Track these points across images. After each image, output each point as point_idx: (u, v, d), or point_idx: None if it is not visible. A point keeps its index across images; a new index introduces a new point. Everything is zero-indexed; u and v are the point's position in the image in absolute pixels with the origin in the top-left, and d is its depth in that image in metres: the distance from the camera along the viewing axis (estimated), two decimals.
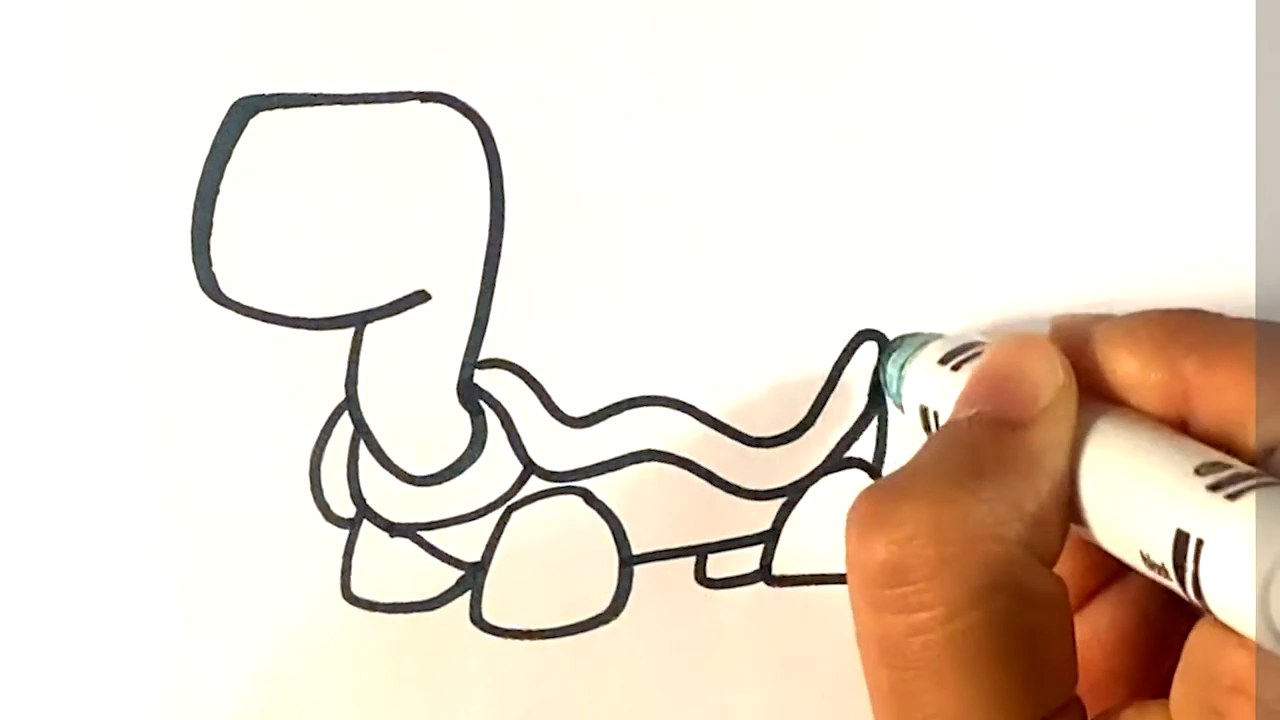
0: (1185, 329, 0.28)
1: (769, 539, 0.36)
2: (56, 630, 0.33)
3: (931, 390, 0.31)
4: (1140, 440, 0.27)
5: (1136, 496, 0.26)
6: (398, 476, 0.34)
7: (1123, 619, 0.30)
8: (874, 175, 0.34)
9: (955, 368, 0.31)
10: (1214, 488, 0.25)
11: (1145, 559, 0.26)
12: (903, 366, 0.33)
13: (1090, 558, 0.30)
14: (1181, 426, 0.27)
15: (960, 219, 0.34)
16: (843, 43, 0.33)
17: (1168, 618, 0.30)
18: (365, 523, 0.34)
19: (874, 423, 0.35)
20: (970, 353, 0.31)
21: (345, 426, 0.33)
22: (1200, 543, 0.24)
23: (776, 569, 0.36)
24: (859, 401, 0.35)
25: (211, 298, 0.32)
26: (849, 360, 0.35)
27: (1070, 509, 0.27)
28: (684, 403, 0.34)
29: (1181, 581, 0.25)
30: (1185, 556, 0.24)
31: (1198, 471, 0.25)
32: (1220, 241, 0.35)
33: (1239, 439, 0.26)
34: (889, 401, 0.34)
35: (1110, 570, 0.31)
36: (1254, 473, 0.25)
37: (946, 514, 0.26)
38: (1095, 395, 0.28)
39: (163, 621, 0.33)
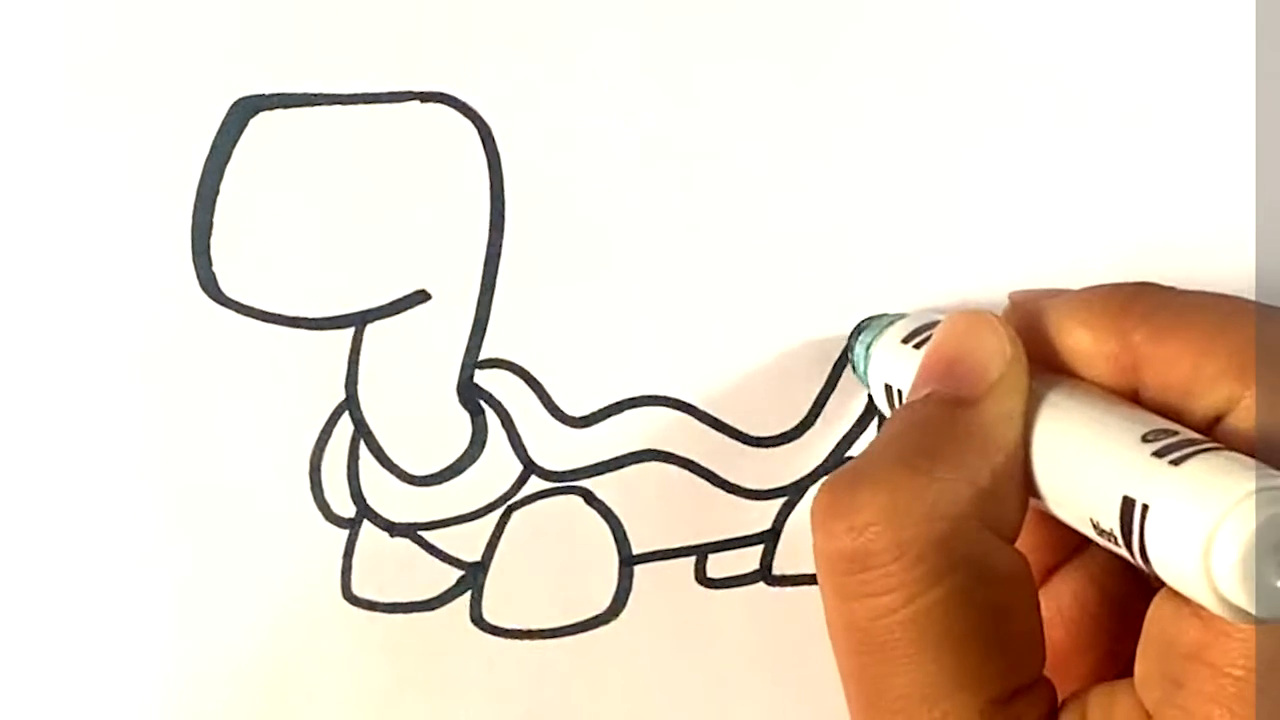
0: (1136, 301, 0.28)
1: (769, 539, 0.36)
2: (56, 630, 0.33)
3: (895, 369, 0.32)
4: (1090, 409, 0.27)
5: (1086, 464, 0.26)
6: (398, 476, 0.34)
7: (1084, 594, 0.31)
8: (874, 176, 0.34)
9: (917, 346, 0.31)
10: (1159, 454, 0.25)
11: (1095, 526, 0.26)
12: (869, 346, 0.33)
13: (1048, 533, 0.30)
14: (1133, 397, 0.28)
15: (961, 218, 0.34)
16: (842, 44, 0.33)
17: (1129, 592, 0.30)
18: (365, 523, 0.34)
19: (874, 423, 0.35)
20: (931, 331, 0.31)
21: (345, 426, 0.33)
22: (1145, 508, 0.24)
23: (776, 569, 0.36)
24: (859, 401, 0.35)
25: (211, 298, 0.32)
26: (849, 360, 0.35)
27: (1026, 481, 0.28)
28: (684, 403, 0.34)
29: (1130, 547, 0.25)
30: (1132, 522, 0.25)
31: (1144, 439, 0.25)
32: (1220, 240, 0.35)
33: (1187, 408, 0.26)
34: (858, 380, 0.35)
35: (1069, 546, 0.31)
36: (1200, 439, 0.25)
37: (901, 497, 0.26)
38: (1049, 368, 0.29)
39: (162, 621, 0.33)
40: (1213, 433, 0.26)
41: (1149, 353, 0.27)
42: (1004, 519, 0.27)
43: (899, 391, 0.31)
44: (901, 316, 0.33)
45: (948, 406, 0.28)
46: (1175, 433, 0.25)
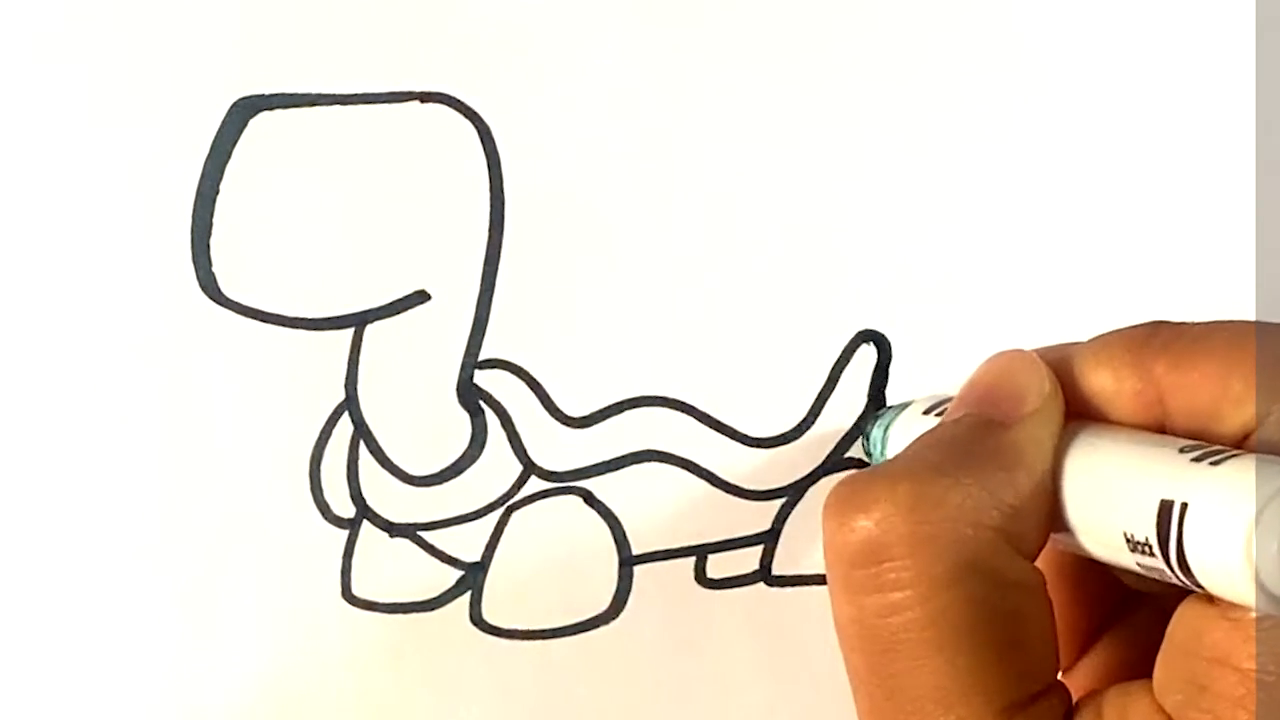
0: (1153, 335, 0.28)
1: (769, 539, 0.36)
2: (57, 631, 0.33)
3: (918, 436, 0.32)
4: (1123, 435, 0.27)
5: (1120, 478, 0.26)
6: (398, 476, 0.34)
7: (1124, 658, 0.31)
8: (874, 177, 0.34)
9: (940, 415, 0.31)
10: (1197, 459, 0.25)
11: (1129, 541, 0.26)
12: (887, 428, 0.33)
13: (1087, 596, 0.30)
14: (1160, 430, 0.28)
15: (960, 220, 0.34)
16: (844, 46, 0.33)
17: None
18: (365, 523, 0.34)
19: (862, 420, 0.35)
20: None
21: (345, 426, 0.33)
22: (1185, 506, 0.24)
23: (776, 569, 0.36)
24: (859, 401, 0.35)
25: (211, 298, 0.32)
26: (849, 361, 0.35)
27: (1052, 515, 0.28)
28: (684, 403, 0.34)
29: (1165, 553, 0.25)
30: (1169, 525, 0.25)
31: (1181, 451, 0.26)
32: (1220, 242, 0.35)
33: (1215, 430, 0.27)
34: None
35: (1108, 611, 0.31)
36: (1235, 450, 0.25)
37: (923, 493, 0.26)
38: (1076, 415, 0.29)
39: (163, 622, 0.33)
40: (1244, 448, 0.26)
41: (1172, 382, 0.27)
42: (1023, 538, 0.27)
43: None
44: (911, 403, 0.33)
45: (980, 426, 0.28)
46: (1209, 445, 0.25)
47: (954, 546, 0.26)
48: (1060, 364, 0.29)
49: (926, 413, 0.32)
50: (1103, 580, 0.30)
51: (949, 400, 0.31)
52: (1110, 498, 0.26)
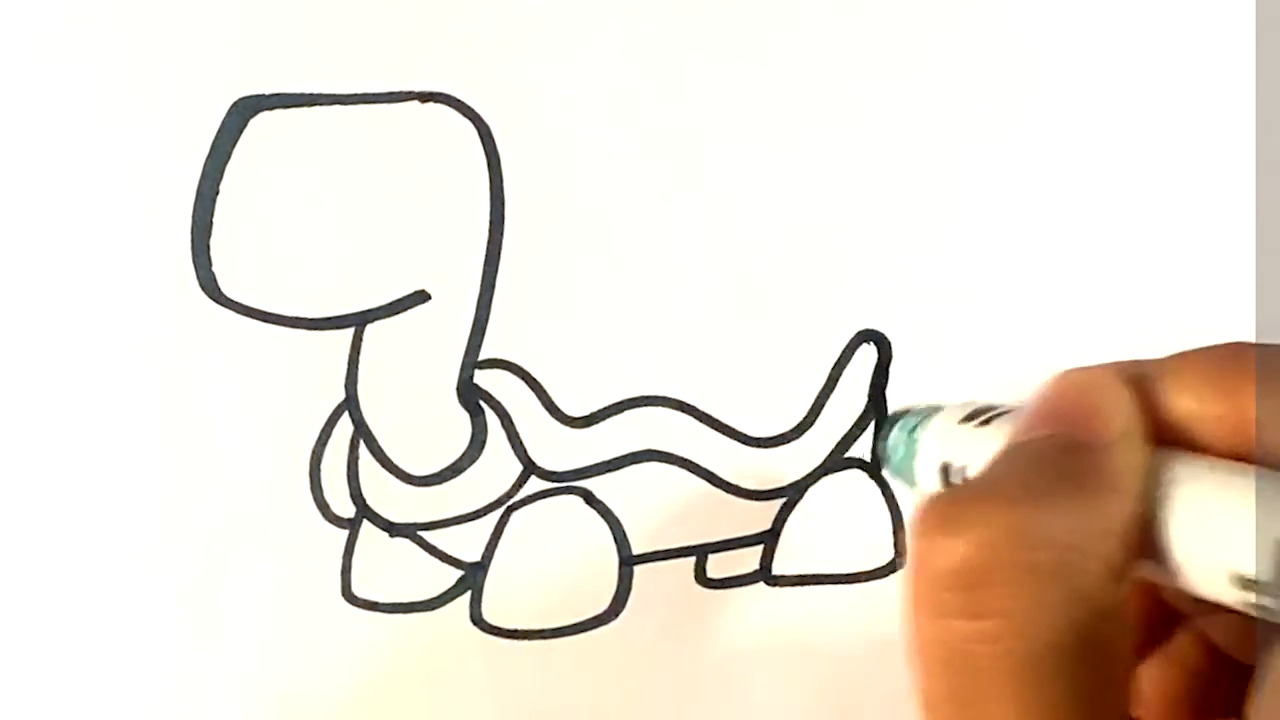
0: (1235, 360, 0.27)
1: (769, 539, 0.36)
2: (57, 631, 0.33)
3: (957, 447, 0.30)
4: (1221, 465, 0.26)
5: (1230, 513, 0.25)
6: (398, 476, 0.34)
7: (1169, 680, 0.30)
8: (875, 177, 0.34)
9: (984, 423, 0.30)
10: None
11: (1239, 579, 0.25)
12: (912, 430, 0.32)
13: (1137, 615, 0.30)
14: (1248, 459, 0.26)
15: (959, 220, 0.34)
16: (845, 46, 0.33)
17: (1215, 682, 0.29)
18: (365, 523, 0.34)
19: (873, 423, 0.35)
20: (995, 412, 0.30)
21: (345, 426, 0.33)
22: None
23: (776, 569, 0.36)
24: (859, 401, 0.35)
25: (211, 298, 0.32)
26: (849, 360, 0.35)
27: (1142, 542, 0.27)
28: (684, 403, 0.34)
29: None
30: None
31: None
32: (1220, 242, 0.35)
33: None
34: (888, 474, 0.34)
35: (1149, 630, 0.30)
36: None
37: (1030, 518, 0.25)
38: (1158, 440, 0.28)
39: (163, 622, 0.33)
40: None
41: (1264, 409, 0.26)
42: (1120, 568, 0.26)
43: (964, 468, 0.30)
44: (937, 409, 0.32)
45: (1071, 447, 0.27)
46: None
47: (1058, 575, 0.25)
48: (1135, 383, 0.28)
49: (964, 421, 0.31)
50: (1146, 601, 0.30)
51: (989, 410, 0.30)
52: (1217, 532, 0.25)
